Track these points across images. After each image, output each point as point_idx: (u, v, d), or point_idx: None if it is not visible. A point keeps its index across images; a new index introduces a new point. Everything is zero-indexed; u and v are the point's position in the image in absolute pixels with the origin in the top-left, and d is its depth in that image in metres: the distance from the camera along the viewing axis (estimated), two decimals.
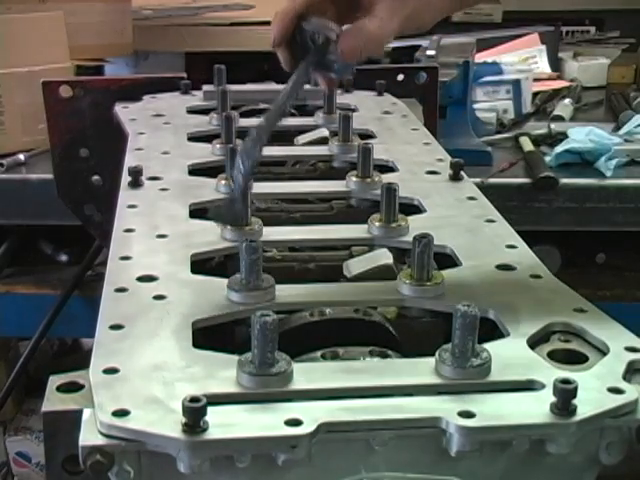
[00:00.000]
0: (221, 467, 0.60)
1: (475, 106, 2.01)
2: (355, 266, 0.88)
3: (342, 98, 1.39)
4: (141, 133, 1.25)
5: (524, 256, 0.88)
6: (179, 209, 0.98)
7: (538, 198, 1.70)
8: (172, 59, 2.23)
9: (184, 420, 0.58)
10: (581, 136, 1.81)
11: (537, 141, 1.91)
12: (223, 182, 1.02)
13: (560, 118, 2.10)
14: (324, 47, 0.83)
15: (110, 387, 0.64)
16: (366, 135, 1.25)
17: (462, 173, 1.08)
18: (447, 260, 0.88)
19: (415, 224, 0.93)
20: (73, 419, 0.61)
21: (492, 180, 1.70)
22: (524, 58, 2.47)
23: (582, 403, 0.61)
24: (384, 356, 0.74)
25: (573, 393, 0.60)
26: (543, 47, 2.52)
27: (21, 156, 1.78)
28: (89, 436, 0.59)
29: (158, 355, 0.68)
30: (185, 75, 1.50)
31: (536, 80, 2.30)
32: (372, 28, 0.84)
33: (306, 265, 0.94)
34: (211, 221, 0.91)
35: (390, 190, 0.91)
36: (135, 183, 1.04)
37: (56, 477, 0.64)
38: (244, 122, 1.31)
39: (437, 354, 0.66)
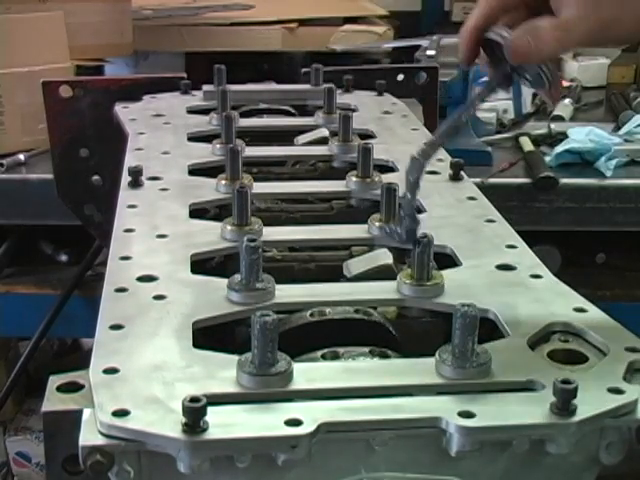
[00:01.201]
0: (221, 467, 0.60)
1: None
2: (355, 266, 0.88)
3: (342, 98, 1.39)
4: (141, 133, 1.25)
5: (524, 256, 0.88)
6: (179, 209, 0.98)
7: (538, 198, 1.70)
8: (172, 59, 2.23)
9: (184, 420, 0.58)
10: (581, 136, 1.81)
11: (537, 141, 1.91)
12: (223, 182, 1.02)
13: (560, 118, 2.10)
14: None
15: (110, 387, 0.64)
16: (366, 135, 1.25)
17: (462, 173, 1.08)
18: (447, 260, 0.88)
19: None
20: (73, 419, 0.61)
21: (492, 180, 1.70)
22: None
23: (582, 403, 0.61)
24: (384, 356, 0.74)
25: (573, 393, 0.60)
26: None
27: (21, 156, 1.78)
28: (89, 436, 0.59)
29: (158, 355, 0.68)
30: (185, 75, 1.50)
31: None
32: (546, 26, 0.73)
33: (306, 265, 0.94)
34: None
35: (390, 190, 0.91)
36: (135, 183, 1.04)
37: (56, 477, 0.64)
38: (244, 122, 1.31)
39: (437, 354, 0.66)
